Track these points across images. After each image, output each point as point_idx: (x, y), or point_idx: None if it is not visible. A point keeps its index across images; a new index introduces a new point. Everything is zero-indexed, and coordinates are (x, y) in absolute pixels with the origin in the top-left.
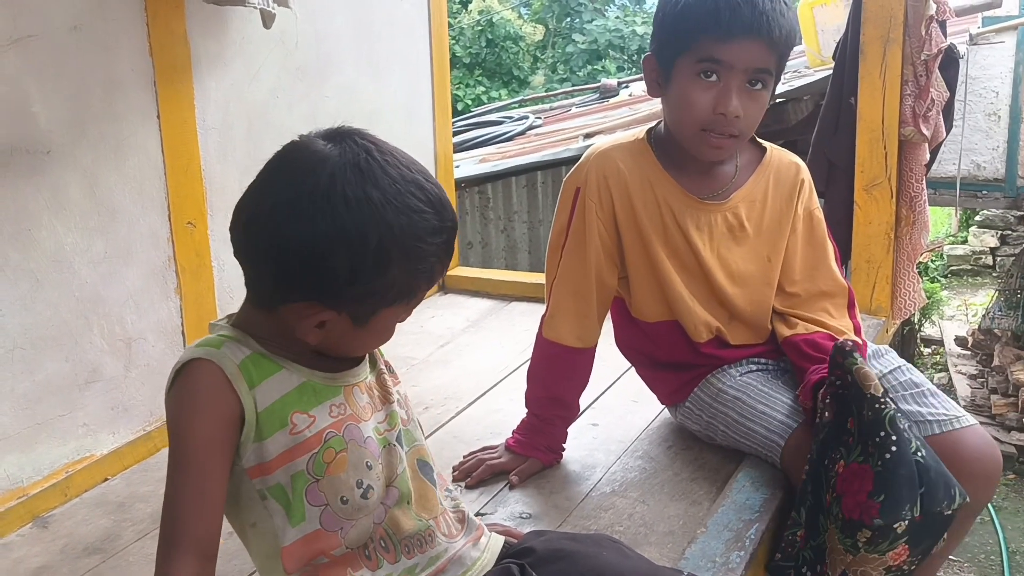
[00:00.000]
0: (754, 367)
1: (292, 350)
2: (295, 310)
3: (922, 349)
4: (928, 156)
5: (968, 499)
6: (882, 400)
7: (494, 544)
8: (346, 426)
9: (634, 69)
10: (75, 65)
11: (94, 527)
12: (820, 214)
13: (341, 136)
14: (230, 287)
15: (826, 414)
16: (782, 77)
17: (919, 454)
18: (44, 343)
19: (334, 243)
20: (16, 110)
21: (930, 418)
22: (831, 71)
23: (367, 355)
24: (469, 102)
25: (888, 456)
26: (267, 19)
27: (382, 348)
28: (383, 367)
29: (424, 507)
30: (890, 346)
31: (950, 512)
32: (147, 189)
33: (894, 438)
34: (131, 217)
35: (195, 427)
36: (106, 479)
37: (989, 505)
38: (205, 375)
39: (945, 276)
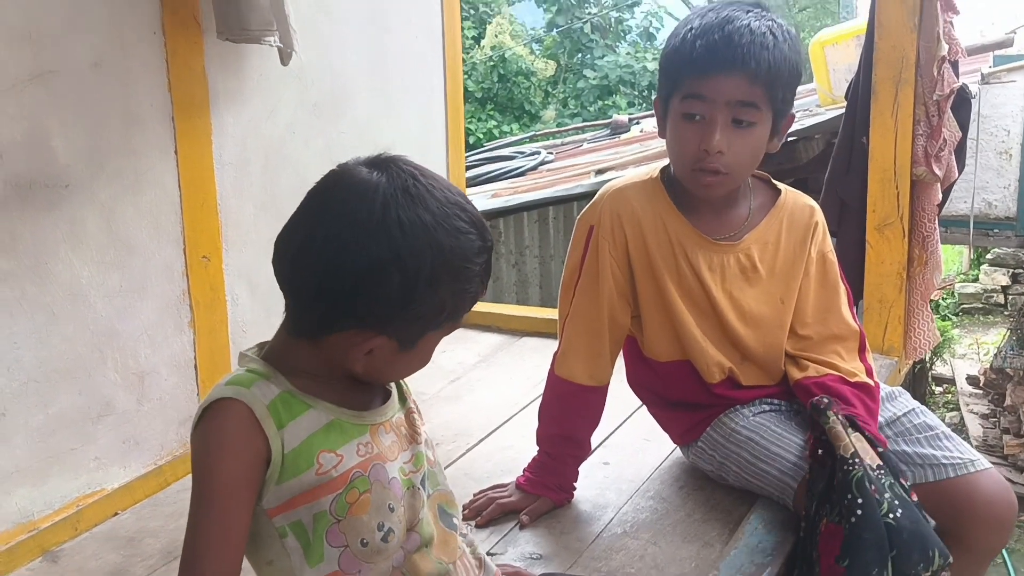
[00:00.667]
0: (767, 408)
1: (323, 384)
2: (345, 338)
3: (933, 388)
4: (940, 196)
5: (951, 560)
6: (850, 462)
7: None
8: (372, 466)
9: (644, 105)
10: (95, 100)
11: (103, 562)
12: (833, 257)
13: (385, 163)
14: (243, 321)
15: (818, 468)
16: (793, 114)
17: (891, 515)
18: (58, 376)
19: (389, 268)
20: (36, 145)
21: (945, 462)
22: (843, 110)
23: (395, 392)
24: (481, 136)
25: (854, 520)
26: (285, 56)
27: (410, 387)
28: (412, 405)
29: (444, 552)
30: (901, 385)
31: (929, 574)
32: (163, 223)
33: (860, 501)
34: (147, 251)
35: (221, 467)
36: (116, 513)
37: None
38: (234, 415)
39: (956, 314)
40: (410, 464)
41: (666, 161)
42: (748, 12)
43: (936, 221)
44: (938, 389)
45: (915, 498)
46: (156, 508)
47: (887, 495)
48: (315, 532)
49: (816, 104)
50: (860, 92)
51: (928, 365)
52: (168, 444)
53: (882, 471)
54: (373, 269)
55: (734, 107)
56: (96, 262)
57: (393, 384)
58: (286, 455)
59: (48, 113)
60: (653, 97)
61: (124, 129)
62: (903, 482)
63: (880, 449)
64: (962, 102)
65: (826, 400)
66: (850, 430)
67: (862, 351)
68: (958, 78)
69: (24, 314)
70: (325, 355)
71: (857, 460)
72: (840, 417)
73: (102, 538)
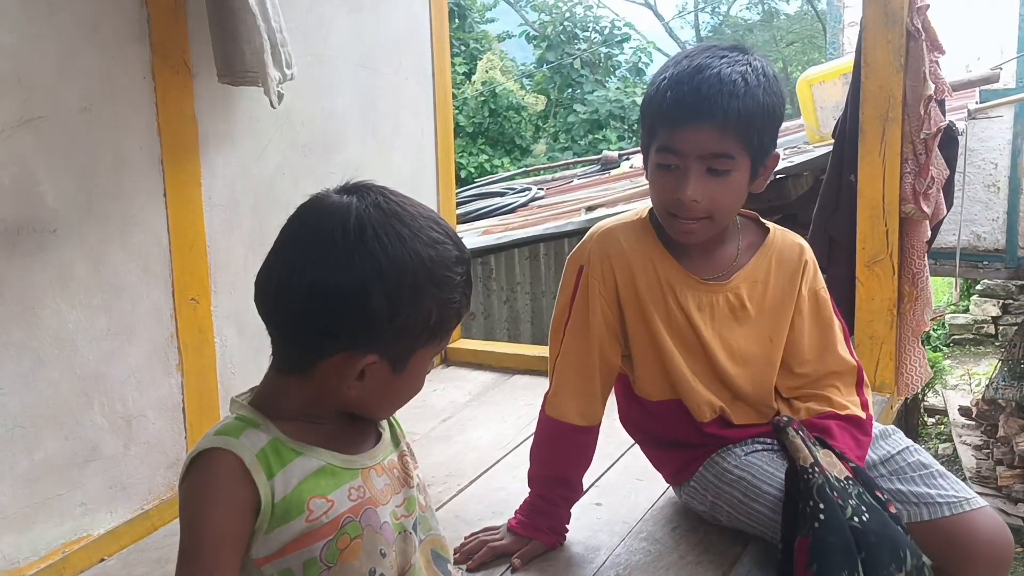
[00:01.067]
0: (759, 447)
1: (314, 428)
2: (334, 364)
3: (926, 419)
4: (929, 233)
5: (926, 561)
6: (809, 471)
7: None
8: (364, 510)
9: (634, 139)
10: (84, 144)
11: None
12: (826, 294)
13: (354, 188)
14: (232, 363)
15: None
16: (779, 152)
17: (856, 519)
18: (45, 422)
19: (373, 282)
20: (24, 190)
21: (940, 500)
22: (830, 147)
23: (388, 433)
24: (472, 170)
25: (817, 525)
26: (274, 98)
27: (403, 428)
28: (405, 448)
29: None
30: (894, 417)
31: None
32: (152, 266)
33: (822, 506)
34: (135, 294)
35: (210, 519)
36: (103, 559)
37: None
38: (223, 466)
39: (947, 345)
40: (402, 508)
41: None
42: (722, 58)
43: (925, 258)
44: (930, 420)
45: (893, 509)
46: (143, 553)
47: (852, 501)
48: None
49: (804, 141)
50: (848, 130)
51: (920, 397)
52: (155, 488)
53: (849, 481)
54: (355, 287)
55: (707, 158)
56: (84, 306)
57: (386, 425)
58: (276, 504)
59: (37, 158)
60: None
61: (113, 173)
62: (879, 495)
63: (852, 464)
64: (949, 140)
65: (785, 418)
66: (815, 445)
67: (859, 385)
68: (945, 116)
69: (10, 359)
70: (316, 389)
71: (816, 469)
72: (802, 433)
73: None
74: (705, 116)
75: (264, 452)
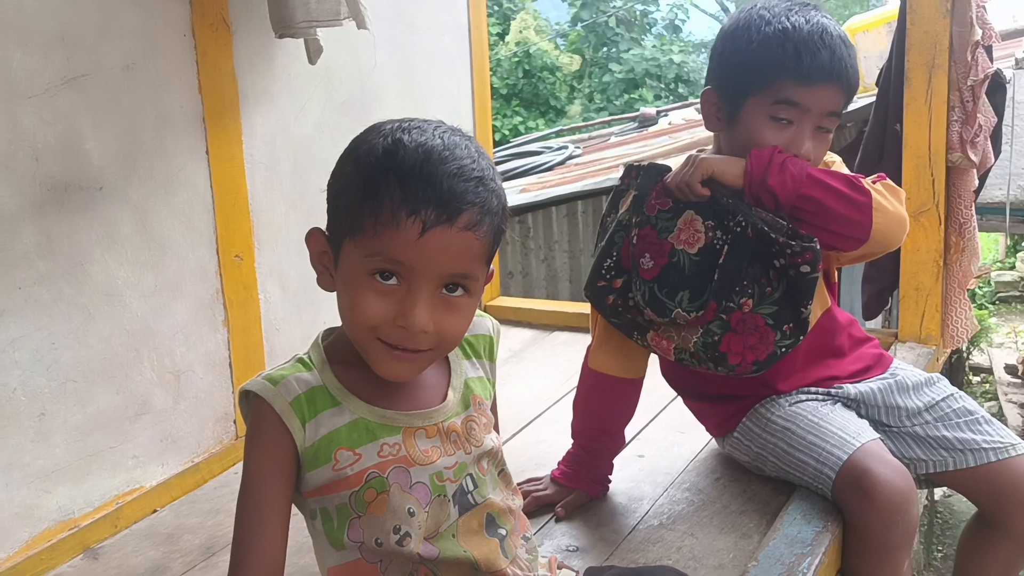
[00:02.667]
0: (804, 397)
1: (365, 377)
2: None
3: (971, 377)
4: (976, 182)
5: None
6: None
7: None
8: (392, 468)
9: (671, 98)
10: (127, 103)
11: (143, 559)
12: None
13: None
14: (276, 319)
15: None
16: None
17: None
18: (96, 376)
19: (340, 161)
20: (71, 147)
21: (985, 446)
22: (874, 97)
23: (457, 396)
24: (506, 132)
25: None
26: (313, 55)
27: (487, 387)
28: (475, 413)
29: (487, 559)
30: (939, 371)
31: None
32: (196, 223)
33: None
34: (180, 251)
35: (253, 460)
36: (155, 511)
37: None
38: (261, 411)
39: (993, 303)
40: (451, 471)
41: (696, 150)
42: (827, 18)
43: (972, 208)
44: (976, 379)
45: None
46: (194, 505)
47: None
48: (339, 521)
49: None
50: (893, 79)
51: (965, 355)
52: (204, 442)
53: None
54: (330, 181)
55: (823, 117)
56: (131, 263)
57: (460, 386)
58: (307, 448)
59: (82, 116)
60: (679, 90)
61: (156, 131)
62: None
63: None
64: (997, 87)
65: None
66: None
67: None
68: (992, 63)
69: (61, 315)
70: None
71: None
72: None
73: (141, 535)
74: (841, 77)
75: (299, 399)
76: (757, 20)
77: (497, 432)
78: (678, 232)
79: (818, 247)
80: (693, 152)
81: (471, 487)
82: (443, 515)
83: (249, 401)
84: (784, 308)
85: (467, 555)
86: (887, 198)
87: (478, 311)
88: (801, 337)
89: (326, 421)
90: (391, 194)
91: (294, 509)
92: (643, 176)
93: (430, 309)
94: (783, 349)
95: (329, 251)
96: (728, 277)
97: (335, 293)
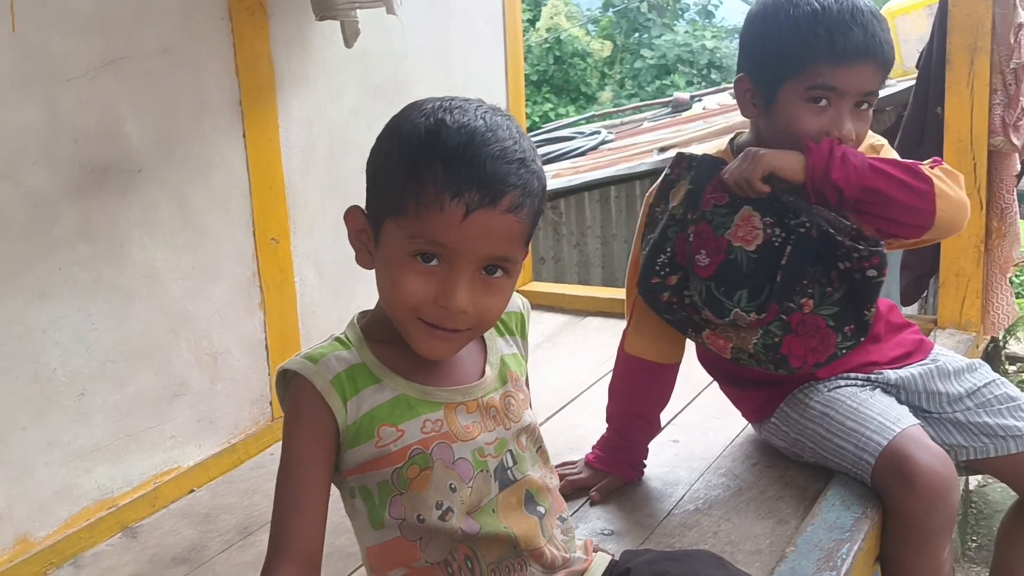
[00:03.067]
0: (842, 382)
1: (404, 355)
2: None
3: (1007, 367)
4: (1019, 166)
5: None
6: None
7: (594, 573)
8: (436, 443)
9: (703, 83)
10: (164, 86)
11: (181, 538)
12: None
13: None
14: (311, 302)
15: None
16: None
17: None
18: (135, 357)
19: (379, 141)
20: (110, 130)
21: None
22: (913, 81)
23: (496, 372)
24: (537, 119)
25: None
26: (349, 38)
27: (522, 363)
28: (512, 388)
29: (525, 537)
30: (979, 357)
31: None
32: (233, 207)
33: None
34: (218, 234)
35: (293, 439)
36: (192, 490)
37: None
38: (302, 389)
39: None
40: (491, 447)
41: (734, 133)
42: None
43: (1015, 192)
44: (1012, 368)
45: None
46: (230, 485)
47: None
48: (380, 498)
49: None
50: (934, 62)
51: (1002, 343)
52: (241, 423)
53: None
54: (370, 159)
55: (859, 96)
56: (169, 245)
57: (497, 363)
58: (348, 426)
59: (120, 99)
60: (712, 75)
61: (193, 114)
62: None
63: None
64: None
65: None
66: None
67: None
68: None
69: (101, 296)
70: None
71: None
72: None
73: (179, 514)
74: (876, 54)
75: (339, 377)
76: (785, 3)
77: (531, 408)
78: (735, 228)
79: (885, 251)
80: (750, 148)
81: (511, 463)
82: (485, 490)
83: (287, 381)
84: (845, 309)
85: (507, 531)
86: (948, 183)
87: None
88: (862, 339)
89: (368, 398)
90: (434, 175)
91: (332, 489)
92: (697, 169)
93: (470, 290)
94: (843, 350)
95: (368, 229)
96: (791, 278)
97: (373, 272)
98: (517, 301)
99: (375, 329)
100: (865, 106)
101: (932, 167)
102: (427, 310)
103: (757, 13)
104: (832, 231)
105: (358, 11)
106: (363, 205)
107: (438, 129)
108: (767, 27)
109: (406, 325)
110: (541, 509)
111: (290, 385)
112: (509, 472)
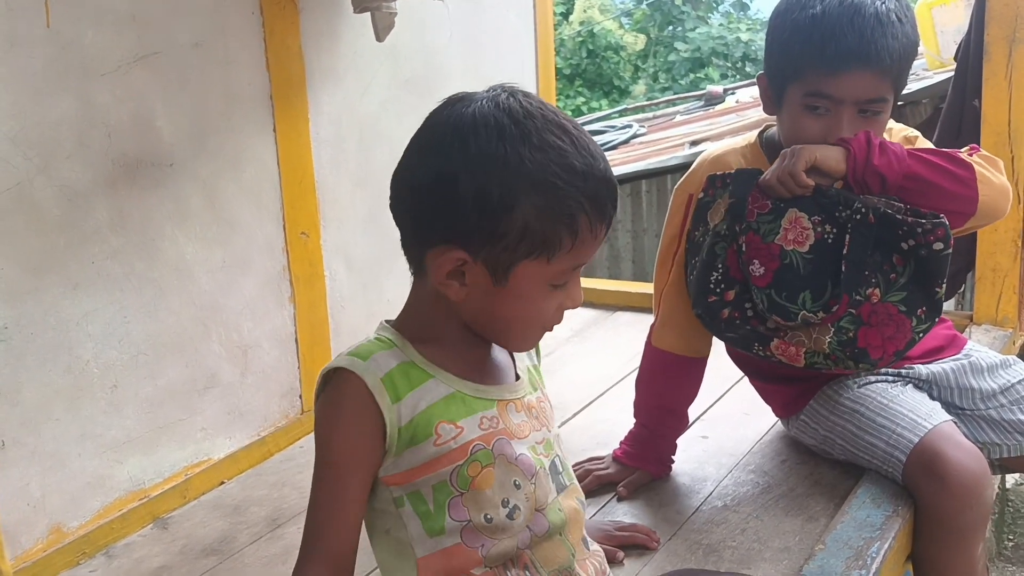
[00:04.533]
0: (873, 378)
1: (449, 352)
2: (433, 257)
3: None
4: None
5: None
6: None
7: None
8: (496, 439)
9: (738, 76)
10: (196, 80)
11: (211, 529)
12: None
13: (499, 87)
14: (341, 296)
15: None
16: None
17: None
18: (166, 349)
19: (460, 171)
20: (142, 124)
21: None
22: (951, 73)
23: (527, 376)
24: (570, 112)
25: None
26: (381, 32)
27: (541, 375)
28: (543, 394)
29: (578, 545)
30: (1016, 354)
31: None
32: (263, 200)
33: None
34: (248, 227)
35: (336, 440)
36: (222, 482)
37: None
38: (349, 387)
39: None
40: (541, 446)
41: (763, 127)
42: None
43: None
44: None
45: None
46: (260, 477)
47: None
48: (436, 503)
49: (923, 68)
50: (972, 53)
51: None
52: (271, 416)
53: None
54: (449, 170)
55: (862, 103)
56: (200, 238)
57: (525, 370)
58: (402, 427)
59: (152, 93)
60: (747, 68)
61: (224, 108)
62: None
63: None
64: None
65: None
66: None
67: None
68: None
69: (133, 289)
70: (432, 294)
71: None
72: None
73: (209, 506)
74: (871, 61)
75: (391, 375)
76: (795, 4)
77: None
78: (784, 233)
79: (948, 221)
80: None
81: (560, 468)
82: (547, 487)
83: (328, 381)
84: (914, 292)
85: (565, 541)
86: (989, 169)
87: None
88: (936, 319)
89: (423, 395)
90: (586, 212)
91: None
92: (735, 182)
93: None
94: (920, 334)
95: (472, 263)
96: (855, 268)
97: (403, 264)
98: None
99: (413, 330)
100: (870, 114)
101: (970, 154)
102: (552, 323)
103: (775, 12)
104: (890, 212)
105: (395, 2)
106: (422, 225)
107: (569, 160)
108: (775, 28)
109: (520, 336)
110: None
111: (331, 382)
112: (562, 476)
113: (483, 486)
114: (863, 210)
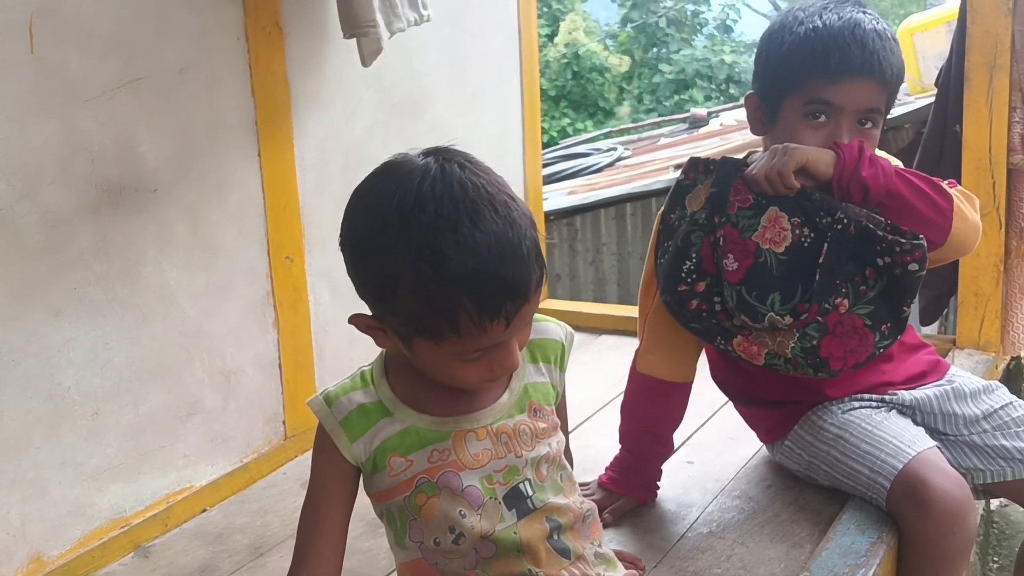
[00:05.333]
0: (857, 404)
1: (418, 385)
2: (356, 312)
3: None
4: None
5: None
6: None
7: None
8: (442, 473)
9: (722, 98)
10: (181, 106)
11: (193, 557)
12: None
13: (434, 153)
14: (325, 321)
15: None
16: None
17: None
18: (149, 376)
19: (359, 246)
20: (126, 150)
21: None
22: (932, 98)
23: (516, 398)
24: (555, 134)
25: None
26: (367, 57)
27: (549, 394)
28: (528, 417)
29: (543, 561)
30: (999, 379)
31: None
32: (248, 225)
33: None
34: (232, 253)
35: (316, 467)
36: (204, 510)
37: None
38: (320, 427)
39: None
40: (500, 474)
41: (747, 152)
42: (865, 13)
43: None
44: None
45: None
46: (243, 505)
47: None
48: (400, 522)
49: (905, 93)
50: (952, 79)
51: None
52: (254, 442)
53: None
54: (347, 246)
55: (861, 112)
56: (184, 264)
57: (519, 389)
58: (364, 461)
59: (137, 119)
60: (731, 90)
61: (209, 133)
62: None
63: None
64: None
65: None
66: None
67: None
68: None
69: (115, 315)
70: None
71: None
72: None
73: (191, 534)
74: (874, 71)
75: (349, 417)
76: (791, 21)
77: (565, 434)
78: (762, 230)
79: (926, 243)
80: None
81: (530, 491)
82: (496, 517)
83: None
84: (881, 307)
85: (521, 558)
86: (966, 205)
87: (553, 319)
88: (898, 336)
89: (381, 431)
90: (468, 311)
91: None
92: (719, 171)
93: (517, 351)
94: (881, 349)
95: (382, 328)
96: (829, 277)
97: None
98: (560, 331)
99: (398, 360)
100: (869, 125)
101: (950, 187)
102: (487, 380)
103: (767, 32)
104: (871, 226)
105: (383, 28)
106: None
107: (447, 264)
108: (772, 44)
109: (463, 387)
110: (566, 538)
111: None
112: (528, 501)
113: (428, 514)
114: (845, 220)
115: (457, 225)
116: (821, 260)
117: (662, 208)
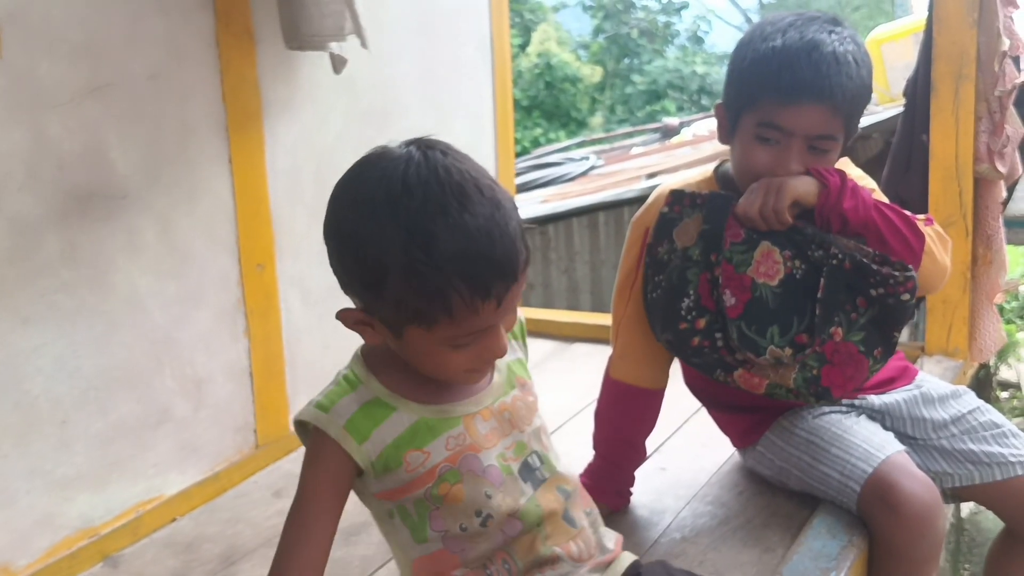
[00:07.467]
0: (828, 409)
1: (411, 378)
2: (344, 307)
3: (999, 393)
4: (1004, 194)
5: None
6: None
7: (619, 567)
8: (463, 457)
9: (694, 109)
10: (151, 112)
11: (163, 567)
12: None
13: (416, 143)
14: (297, 328)
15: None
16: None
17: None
18: (118, 384)
19: (347, 236)
20: (95, 156)
21: (1012, 459)
22: (901, 108)
23: (504, 377)
24: (527, 144)
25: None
26: (338, 65)
27: (525, 367)
28: (520, 392)
29: (557, 532)
30: (967, 385)
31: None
32: (218, 232)
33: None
34: (202, 260)
35: (309, 477)
36: (175, 519)
37: None
38: (317, 437)
39: (1021, 317)
40: (511, 451)
41: (719, 161)
42: (831, 33)
43: (1000, 219)
44: (1004, 394)
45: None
46: (213, 514)
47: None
48: (419, 515)
49: (874, 103)
50: (920, 89)
51: (993, 370)
52: (224, 451)
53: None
54: (335, 236)
55: (812, 138)
56: (153, 271)
57: (503, 368)
58: (374, 460)
59: (106, 125)
60: (703, 101)
61: (180, 140)
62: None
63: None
64: None
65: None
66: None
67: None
68: (1020, 73)
69: (84, 322)
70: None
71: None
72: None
73: (161, 544)
74: (823, 96)
75: (353, 420)
76: (757, 37)
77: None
78: (756, 265)
79: (915, 274)
80: (763, 180)
81: (538, 463)
82: (517, 492)
83: (306, 429)
84: (871, 333)
85: (542, 532)
86: (937, 246)
87: None
88: (889, 358)
89: (388, 430)
90: (460, 293)
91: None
92: (709, 207)
93: (505, 337)
94: (873, 372)
95: (372, 322)
96: (827, 311)
97: None
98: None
99: (379, 358)
100: (819, 151)
101: (926, 224)
102: (474, 370)
103: (739, 43)
104: (865, 261)
105: (332, 43)
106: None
107: (438, 244)
108: (736, 58)
109: (452, 379)
110: (571, 508)
111: (309, 435)
112: (538, 472)
113: (453, 501)
114: (840, 256)
115: (446, 208)
116: (819, 295)
117: (648, 239)
